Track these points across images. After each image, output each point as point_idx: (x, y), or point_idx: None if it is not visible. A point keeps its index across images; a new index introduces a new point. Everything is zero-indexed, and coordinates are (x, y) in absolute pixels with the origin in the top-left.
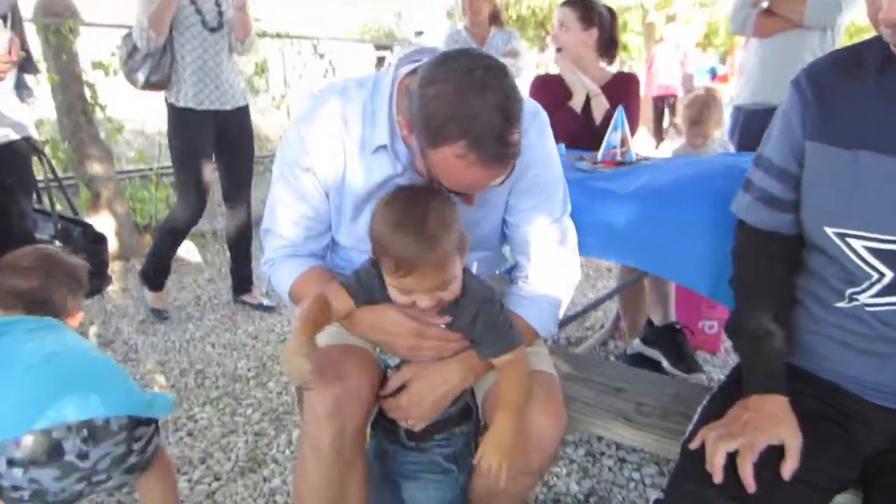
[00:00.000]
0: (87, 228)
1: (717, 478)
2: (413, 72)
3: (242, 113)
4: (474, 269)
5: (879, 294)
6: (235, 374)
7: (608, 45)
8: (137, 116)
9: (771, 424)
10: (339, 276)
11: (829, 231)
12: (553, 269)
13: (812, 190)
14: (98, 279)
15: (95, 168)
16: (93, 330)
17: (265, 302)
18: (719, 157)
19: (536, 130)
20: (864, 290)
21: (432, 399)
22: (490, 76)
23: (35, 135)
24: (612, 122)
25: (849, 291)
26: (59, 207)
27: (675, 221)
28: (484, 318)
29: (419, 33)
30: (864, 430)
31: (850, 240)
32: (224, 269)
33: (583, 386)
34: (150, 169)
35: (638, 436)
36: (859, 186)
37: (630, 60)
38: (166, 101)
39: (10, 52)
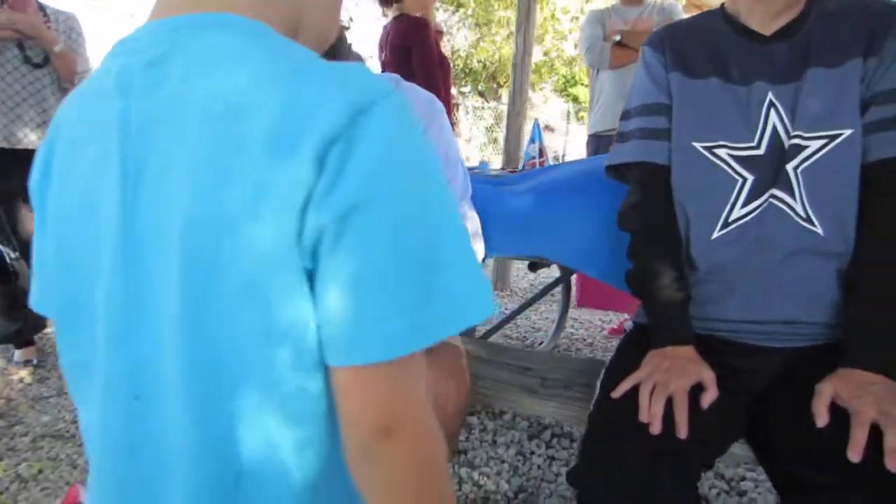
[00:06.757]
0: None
1: (657, 428)
2: None
3: None
4: None
5: (746, 202)
6: None
7: None
8: None
9: (692, 367)
10: None
11: (698, 146)
12: None
13: (680, 113)
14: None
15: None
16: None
17: None
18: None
19: (436, 116)
20: (733, 204)
21: None
22: None
23: None
24: (530, 135)
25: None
26: None
27: (567, 210)
28: None
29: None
30: (748, 375)
31: (717, 150)
32: None
33: (495, 367)
34: None
35: (543, 406)
36: (713, 107)
37: (582, 110)
38: None
39: None
